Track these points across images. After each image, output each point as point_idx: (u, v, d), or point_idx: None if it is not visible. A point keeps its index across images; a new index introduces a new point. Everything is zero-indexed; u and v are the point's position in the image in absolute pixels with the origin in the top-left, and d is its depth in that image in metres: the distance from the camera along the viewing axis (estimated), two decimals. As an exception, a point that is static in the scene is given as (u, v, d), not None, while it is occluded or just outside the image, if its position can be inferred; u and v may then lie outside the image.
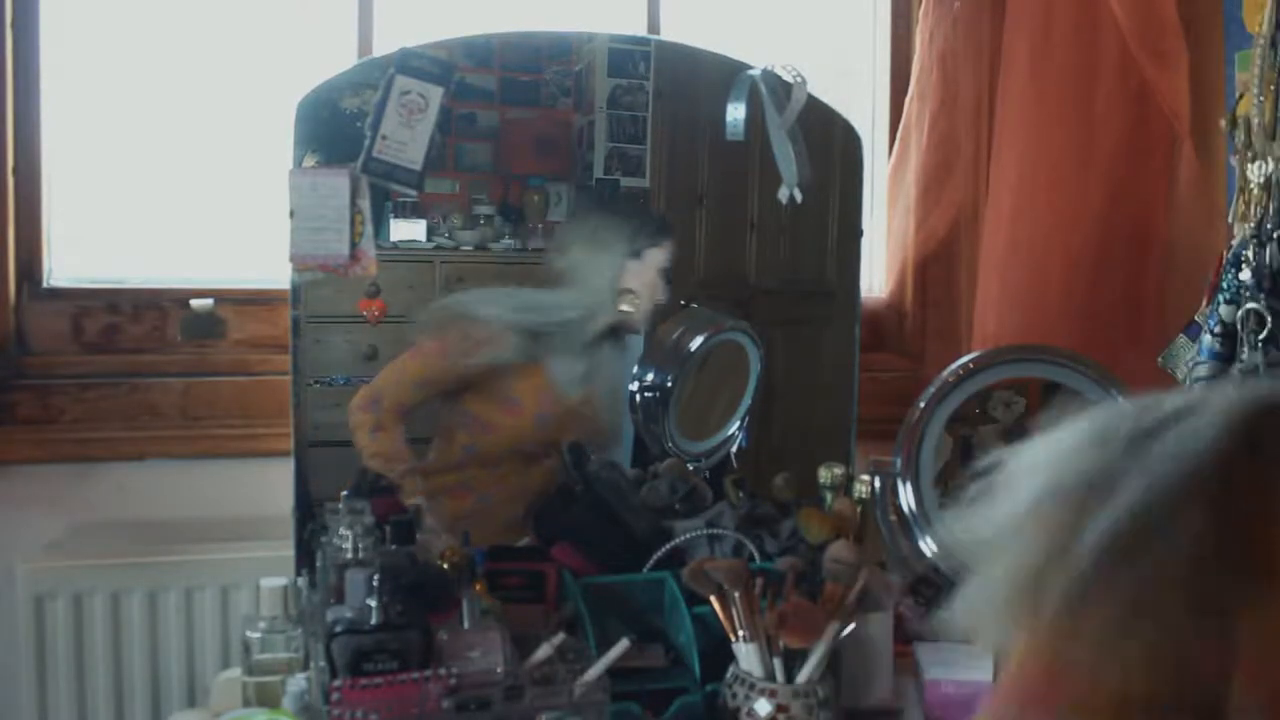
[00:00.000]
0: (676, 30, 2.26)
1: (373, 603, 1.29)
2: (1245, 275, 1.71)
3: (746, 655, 1.47)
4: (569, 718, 1.29)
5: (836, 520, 1.74)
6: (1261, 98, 1.69)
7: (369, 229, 1.80)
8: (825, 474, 1.88)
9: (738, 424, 2.08)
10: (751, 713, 1.44)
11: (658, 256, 1.90)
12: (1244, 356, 1.71)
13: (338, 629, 1.29)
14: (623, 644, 1.35)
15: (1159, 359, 1.92)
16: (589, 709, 1.30)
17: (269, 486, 1.90)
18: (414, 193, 1.83)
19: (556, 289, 1.88)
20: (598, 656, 1.34)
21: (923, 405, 1.46)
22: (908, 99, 2.30)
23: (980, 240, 2.23)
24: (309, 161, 1.78)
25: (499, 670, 1.30)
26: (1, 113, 1.94)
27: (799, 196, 2.00)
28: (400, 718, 1.24)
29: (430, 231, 1.89)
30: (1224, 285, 1.75)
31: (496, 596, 1.59)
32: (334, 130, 1.80)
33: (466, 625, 1.38)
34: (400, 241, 1.87)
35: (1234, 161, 1.76)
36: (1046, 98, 2.14)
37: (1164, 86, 2.01)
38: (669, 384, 2.01)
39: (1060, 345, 1.60)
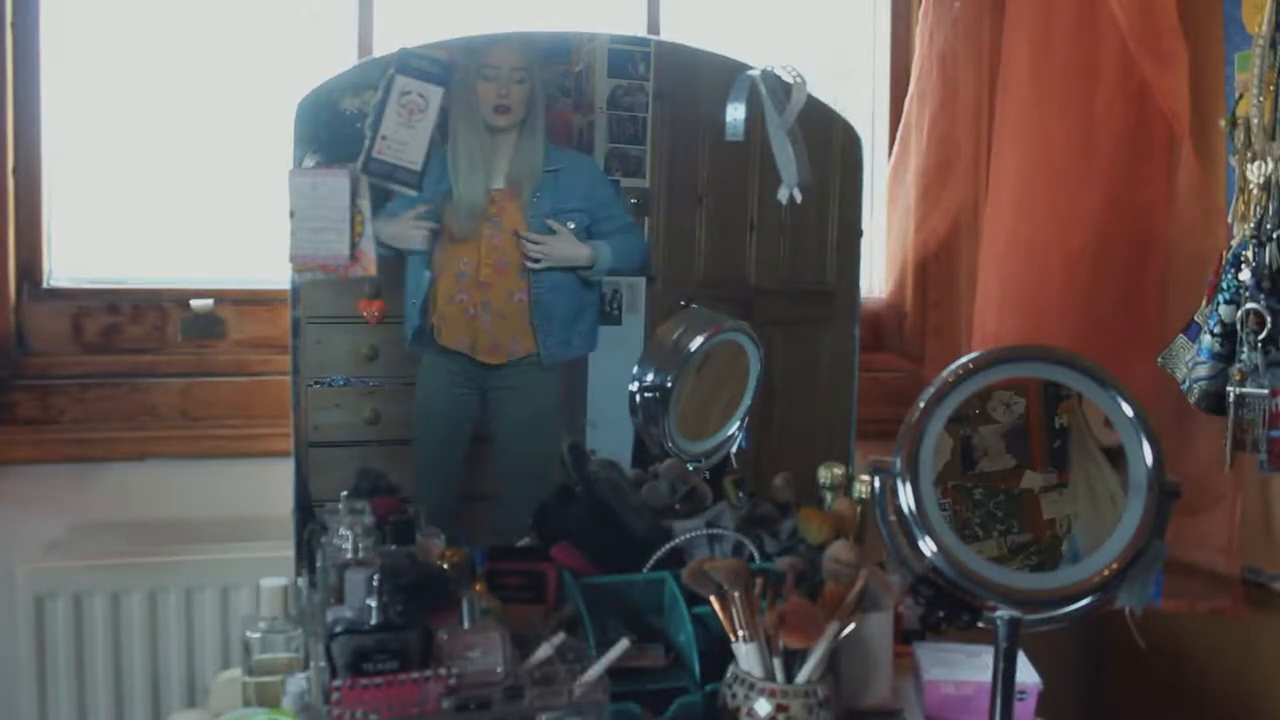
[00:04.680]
0: (676, 30, 2.26)
1: (373, 603, 1.30)
2: (1245, 275, 1.71)
3: (746, 655, 1.47)
4: (569, 718, 1.30)
5: (836, 520, 1.74)
6: (1261, 98, 1.69)
7: (369, 229, 1.80)
8: (825, 474, 1.88)
9: (737, 424, 2.08)
10: (751, 713, 1.45)
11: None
12: (1243, 356, 1.71)
13: (338, 629, 1.29)
14: (623, 644, 1.35)
15: (1159, 359, 1.92)
16: (589, 709, 1.30)
17: (269, 486, 1.91)
18: (414, 193, 1.83)
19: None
20: (598, 656, 1.34)
21: (922, 405, 1.46)
22: (908, 99, 2.30)
23: (980, 240, 2.23)
24: (309, 162, 1.78)
25: (499, 670, 1.30)
26: (1, 113, 1.94)
27: (799, 196, 2.00)
28: (400, 718, 1.24)
29: (430, 231, 1.89)
30: (1224, 285, 1.75)
31: (496, 596, 1.60)
32: (334, 130, 1.80)
33: (466, 625, 1.38)
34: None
35: (1234, 162, 1.76)
36: (1046, 98, 2.14)
37: (1164, 87, 2.01)
38: (669, 384, 2.01)
39: (1060, 345, 1.59)
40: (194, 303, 2.05)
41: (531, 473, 1.96)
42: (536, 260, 1.90)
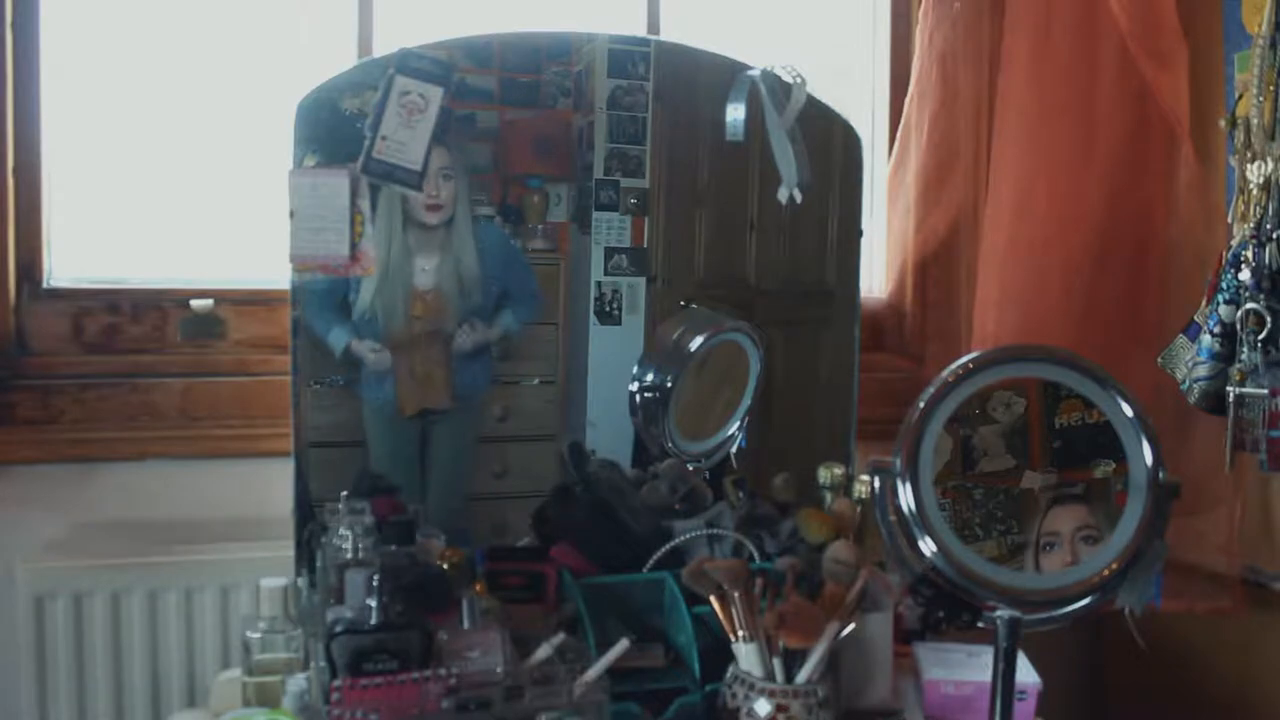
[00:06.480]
0: (676, 31, 2.26)
1: (373, 603, 1.30)
2: (1245, 275, 1.71)
3: (746, 655, 1.47)
4: (569, 718, 1.30)
5: (836, 520, 1.74)
6: (1261, 98, 1.69)
7: (369, 229, 1.80)
8: (825, 474, 1.88)
9: (737, 424, 2.08)
10: (751, 713, 1.45)
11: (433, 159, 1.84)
12: (1243, 356, 1.72)
13: (338, 629, 1.29)
14: (623, 644, 1.35)
15: (1158, 359, 1.92)
16: (589, 709, 1.30)
17: (269, 486, 1.91)
18: (413, 194, 1.83)
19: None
20: (598, 656, 1.35)
21: (922, 405, 1.46)
22: (908, 99, 2.30)
23: (980, 240, 2.23)
24: (309, 162, 1.78)
25: (499, 670, 1.30)
26: (1, 113, 1.94)
27: (799, 196, 2.00)
28: (400, 718, 1.24)
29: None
30: (1223, 285, 1.75)
31: (496, 596, 1.59)
32: (334, 130, 1.80)
33: (466, 625, 1.38)
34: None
35: (1234, 162, 1.76)
36: (1046, 98, 2.14)
37: (1164, 87, 2.01)
38: (669, 384, 2.01)
39: (1060, 345, 1.60)
40: (194, 303, 2.05)
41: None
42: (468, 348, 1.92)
